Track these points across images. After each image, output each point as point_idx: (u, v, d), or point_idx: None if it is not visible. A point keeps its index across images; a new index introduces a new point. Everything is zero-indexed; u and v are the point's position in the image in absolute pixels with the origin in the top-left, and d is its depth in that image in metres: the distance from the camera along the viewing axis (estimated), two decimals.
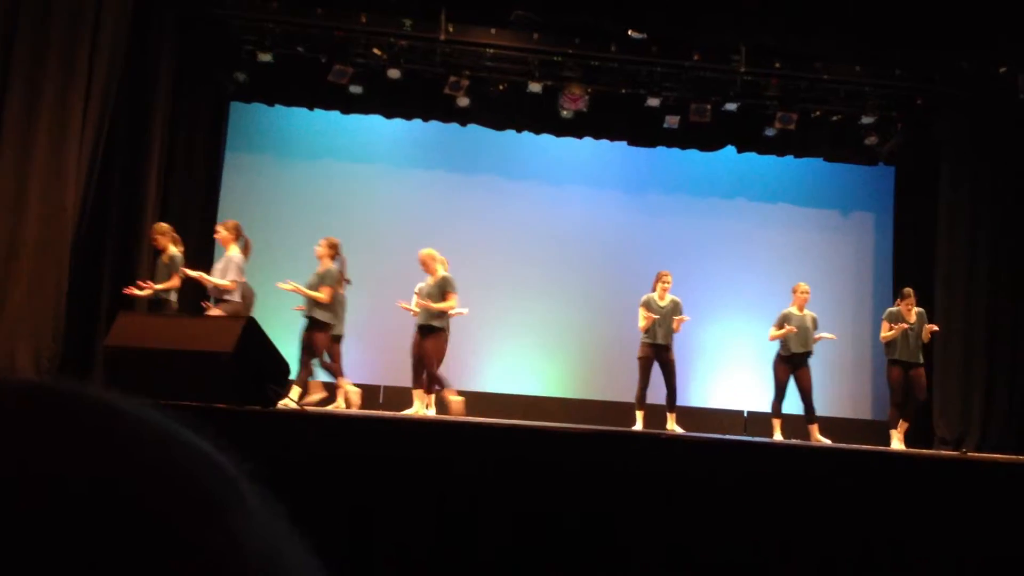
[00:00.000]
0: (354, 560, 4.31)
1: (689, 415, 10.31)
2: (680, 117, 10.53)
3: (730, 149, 11.13)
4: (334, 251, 8.43)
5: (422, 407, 8.46)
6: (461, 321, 10.89)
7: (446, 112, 10.68)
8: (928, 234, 10.57)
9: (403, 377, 10.17)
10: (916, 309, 9.02)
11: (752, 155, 11.19)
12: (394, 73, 10.19)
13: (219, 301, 7.91)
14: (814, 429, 9.04)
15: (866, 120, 10.55)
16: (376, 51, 10.19)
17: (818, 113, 10.71)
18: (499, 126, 10.95)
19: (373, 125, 10.99)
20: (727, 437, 7.72)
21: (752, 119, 10.72)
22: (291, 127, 11.05)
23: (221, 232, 8.11)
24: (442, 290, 8.40)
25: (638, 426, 8.77)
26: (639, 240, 11.25)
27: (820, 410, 10.96)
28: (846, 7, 9.52)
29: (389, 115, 10.87)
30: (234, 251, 7.95)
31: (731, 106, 10.47)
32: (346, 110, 10.74)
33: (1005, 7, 9.16)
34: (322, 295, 8.19)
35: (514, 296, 10.84)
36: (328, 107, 10.74)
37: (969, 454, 7.21)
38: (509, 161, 11.30)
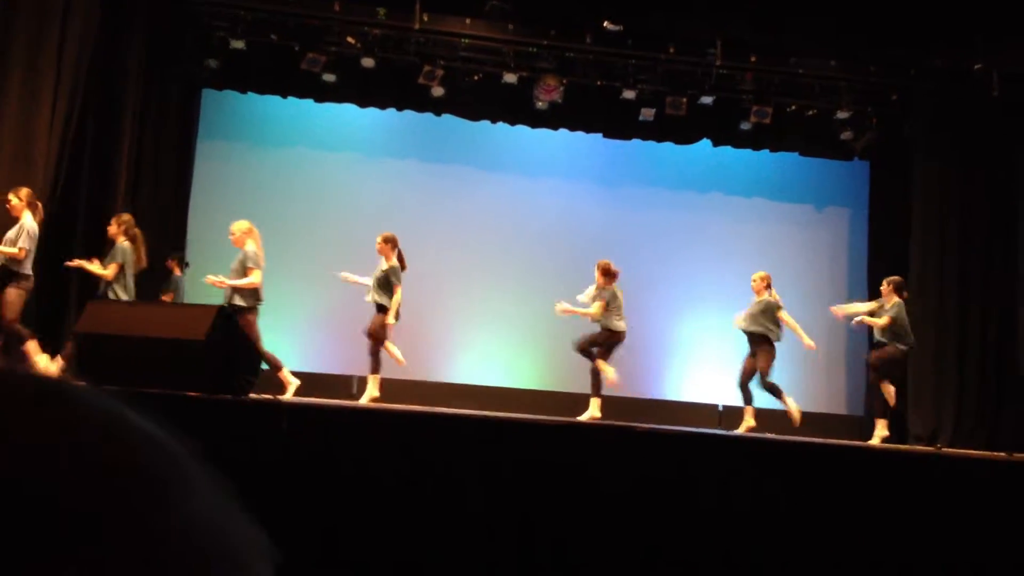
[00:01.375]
0: (323, 549, 4.25)
1: (664, 409, 10.32)
2: (655, 110, 10.51)
3: (705, 142, 11.13)
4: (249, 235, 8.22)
5: (374, 389, 8.56)
6: (434, 311, 10.84)
7: (420, 102, 10.60)
8: (902, 229, 10.62)
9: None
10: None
11: (727, 149, 11.20)
12: (368, 62, 10.10)
13: (11, 274, 7.38)
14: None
15: (841, 115, 10.58)
16: (350, 39, 10.10)
17: (793, 107, 10.72)
18: (473, 116, 10.89)
19: (347, 114, 10.89)
20: (703, 431, 7.72)
21: (727, 113, 10.72)
22: (264, 115, 10.93)
23: (12, 200, 7.49)
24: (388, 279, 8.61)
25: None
26: (614, 233, 11.22)
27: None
28: (822, 2, 9.54)
29: (363, 104, 10.78)
30: (27, 218, 7.43)
31: (707, 99, 10.46)
32: (320, 98, 10.64)
33: (980, 5, 9.21)
34: (255, 279, 8.00)
35: (488, 287, 10.79)
36: (301, 95, 10.63)
37: (943, 450, 7.23)
38: (483, 152, 11.24)
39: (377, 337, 8.58)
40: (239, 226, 8.20)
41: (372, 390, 8.50)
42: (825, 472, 4.93)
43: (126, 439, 0.42)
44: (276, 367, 8.10)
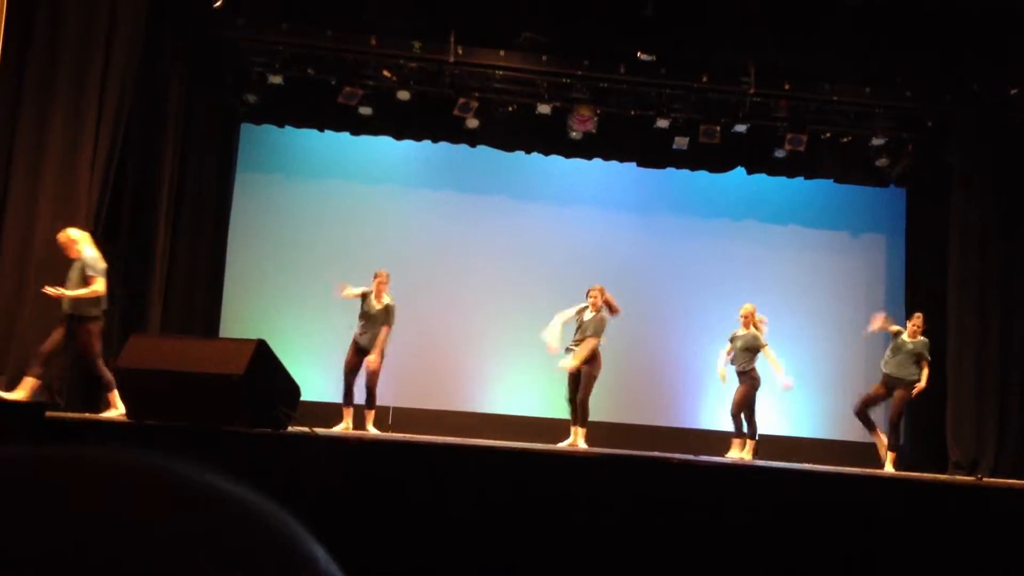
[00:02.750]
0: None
1: (699, 437, 10.26)
2: (689, 138, 10.52)
3: (739, 171, 11.11)
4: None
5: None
6: (469, 342, 10.89)
7: (455, 133, 10.69)
8: (940, 256, 10.52)
9: (414, 398, 10.17)
10: (923, 338, 9.11)
11: (762, 176, 11.17)
12: (403, 95, 10.21)
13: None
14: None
15: (876, 142, 10.53)
16: (386, 73, 10.22)
17: (828, 135, 10.69)
18: (508, 147, 10.96)
19: (382, 146, 11.00)
20: (738, 462, 7.69)
21: (762, 140, 10.70)
22: (301, 148, 11.07)
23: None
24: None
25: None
26: (648, 261, 11.23)
27: (829, 433, 10.92)
28: (855, 28, 9.53)
29: (398, 136, 10.89)
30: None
31: (740, 127, 10.46)
32: (356, 131, 10.77)
33: (1017, 29, 9.15)
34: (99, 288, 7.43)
35: (523, 317, 10.81)
36: (338, 128, 10.76)
37: (984, 479, 7.14)
38: (518, 182, 11.30)
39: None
40: (71, 234, 7.47)
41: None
42: (864, 502, 4.90)
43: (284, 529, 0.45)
44: (109, 386, 7.41)
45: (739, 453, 9.15)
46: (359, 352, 8.94)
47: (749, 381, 9.26)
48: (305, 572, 0.44)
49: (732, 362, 9.34)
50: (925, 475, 8.19)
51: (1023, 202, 10.19)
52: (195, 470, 0.45)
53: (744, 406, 9.24)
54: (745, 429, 9.23)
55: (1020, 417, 9.93)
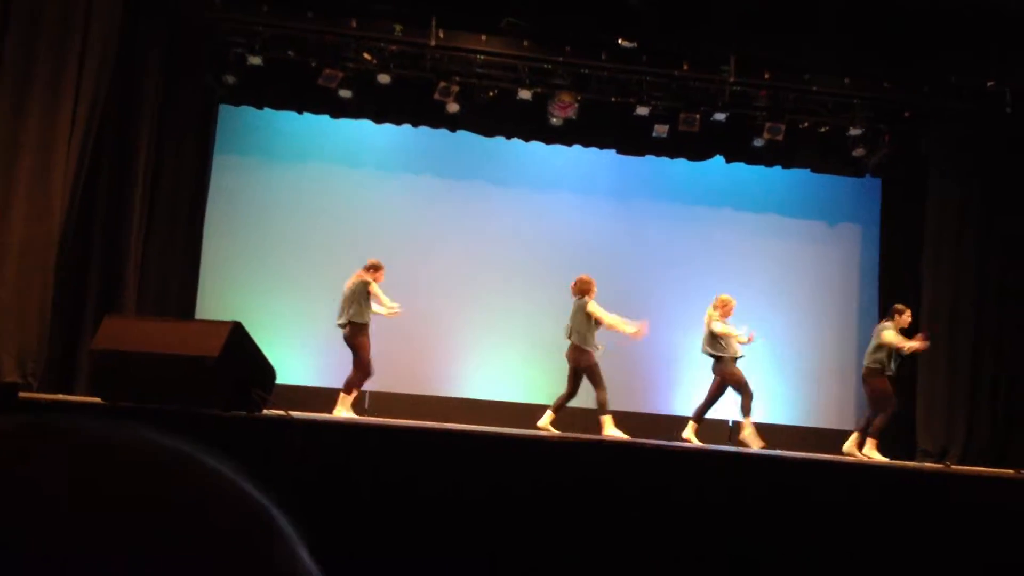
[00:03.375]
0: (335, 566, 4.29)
1: (675, 424, 10.32)
2: (669, 126, 10.55)
3: (718, 159, 11.16)
4: None
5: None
6: (447, 327, 10.91)
7: (436, 118, 10.67)
8: (915, 246, 10.62)
9: (391, 383, 10.16)
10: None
11: (740, 165, 11.23)
12: (384, 78, 10.18)
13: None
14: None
15: (854, 132, 10.58)
16: (366, 56, 10.18)
17: (806, 124, 10.75)
18: (488, 132, 10.95)
19: (362, 129, 10.98)
20: (712, 447, 7.75)
21: (740, 129, 10.74)
22: (280, 131, 11.02)
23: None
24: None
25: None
26: (627, 248, 11.27)
27: (804, 420, 11.02)
28: (835, 19, 9.57)
29: (378, 120, 10.86)
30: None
31: (720, 116, 10.49)
32: (335, 114, 10.72)
33: (994, 21, 9.22)
34: None
35: (502, 302, 10.84)
36: (317, 111, 10.71)
37: (953, 467, 7.23)
38: (498, 168, 11.30)
39: None
40: None
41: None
42: (834, 488, 4.96)
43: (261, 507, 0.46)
44: None
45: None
46: None
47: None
48: (279, 546, 0.45)
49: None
50: (894, 462, 8.28)
51: (997, 193, 10.30)
52: (170, 440, 0.46)
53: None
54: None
55: (991, 405, 10.06)
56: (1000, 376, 10.09)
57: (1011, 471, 7.32)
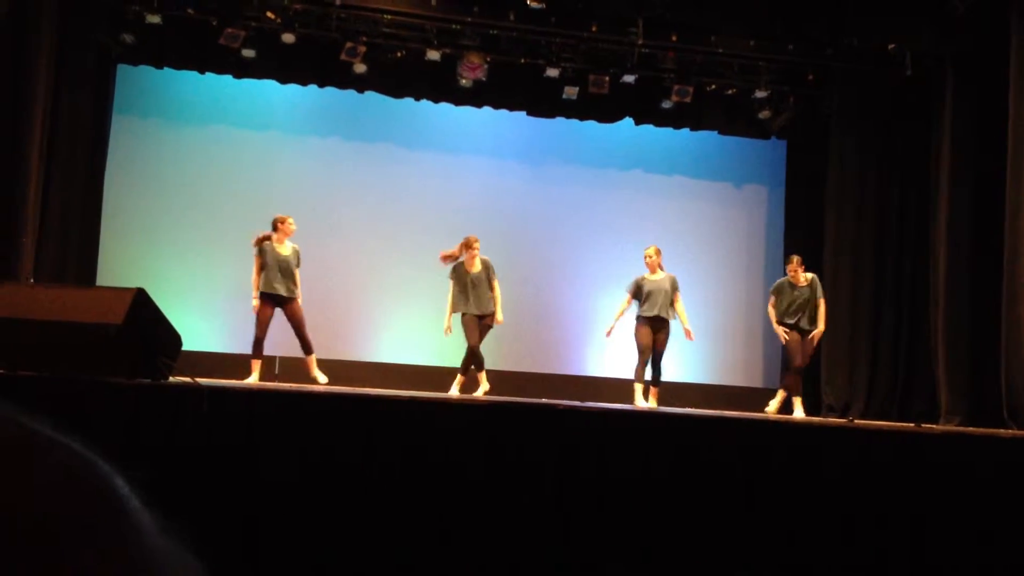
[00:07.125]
0: (244, 535, 4.23)
1: (585, 384, 10.42)
2: (579, 88, 10.56)
3: (628, 121, 11.21)
4: None
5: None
6: (358, 290, 10.81)
7: (342, 78, 10.48)
8: (818, 207, 10.86)
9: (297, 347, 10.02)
10: (805, 275, 9.24)
11: (649, 127, 11.29)
12: (288, 37, 9.95)
13: None
14: (655, 392, 9.19)
15: (759, 94, 10.72)
16: (270, 14, 9.94)
17: (713, 87, 10.85)
18: (397, 94, 10.80)
19: (267, 90, 10.74)
20: (623, 407, 7.83)
21: (649, 92, 10.80)
22: (181, 91, 10.72)
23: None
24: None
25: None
26: (537, 210, 11.28)
27: (714, 378, 11.23)
28: None
29: (283, 80, 10.63)
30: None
31: (629, 78, 10.53)
32: (238, 74, 10.46)
33: None
34: None
35: (412, 266, 10.76)
36: (220, 71, 10.44)
37: (856, 422, 7.44)
38: (407, 130, 11.18)
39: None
40: None
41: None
42: (746, 444, 5.05)
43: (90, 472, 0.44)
44: None
45: (654, 402, 9.17)
46: (276, 302, 8.71)
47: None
48: (121, 519, 0.44)
49: (648, 311, 9.18)
50: (800, 418, 8.50)
51: (896, 153, 10.59)
52: (13, 412, 0.44)
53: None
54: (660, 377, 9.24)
55: (891, 360, 10.38)
56: (900, 331, 10.41)
57: (911, 424, 7.57)
